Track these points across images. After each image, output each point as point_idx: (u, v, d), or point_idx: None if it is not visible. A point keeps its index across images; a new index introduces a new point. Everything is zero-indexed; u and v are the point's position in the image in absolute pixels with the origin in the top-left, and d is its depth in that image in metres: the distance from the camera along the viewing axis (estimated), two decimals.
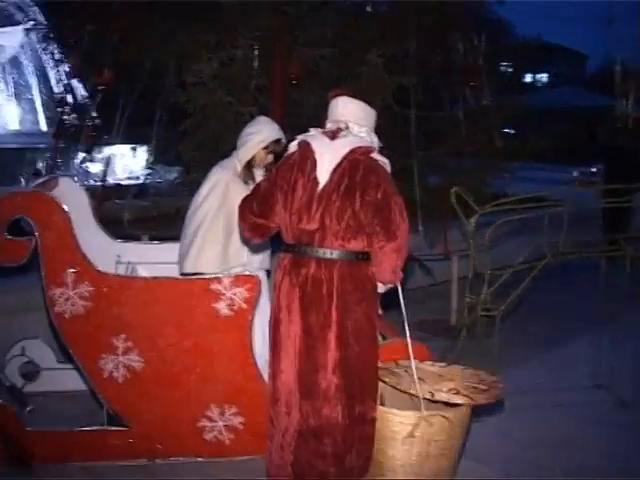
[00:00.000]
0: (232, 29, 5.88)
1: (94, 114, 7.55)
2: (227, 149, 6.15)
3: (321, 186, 3.22)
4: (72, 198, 4.43)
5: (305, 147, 3.30)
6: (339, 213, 3.17)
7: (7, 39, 9.30)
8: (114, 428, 3.81)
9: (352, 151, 3.24)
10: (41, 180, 4.48)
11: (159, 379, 3.78)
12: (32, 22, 7.62)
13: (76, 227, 4.29)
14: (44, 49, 7.90)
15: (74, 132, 7.61)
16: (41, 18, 7.73)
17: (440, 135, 6.92)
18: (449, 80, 7.15)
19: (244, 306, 3.73)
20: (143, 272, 4.50)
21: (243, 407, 3.82)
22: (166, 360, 3.76)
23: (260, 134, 4.17)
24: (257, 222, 3.32)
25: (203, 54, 5.79)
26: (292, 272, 3.24)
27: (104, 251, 4.47)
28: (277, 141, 4.20)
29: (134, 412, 3.80)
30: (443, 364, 3.79)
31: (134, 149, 8.44)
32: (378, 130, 3.38)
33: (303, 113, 6.05)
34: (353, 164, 3.21)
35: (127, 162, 8.50)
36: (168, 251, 4.52)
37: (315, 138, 3.33)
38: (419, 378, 3.47)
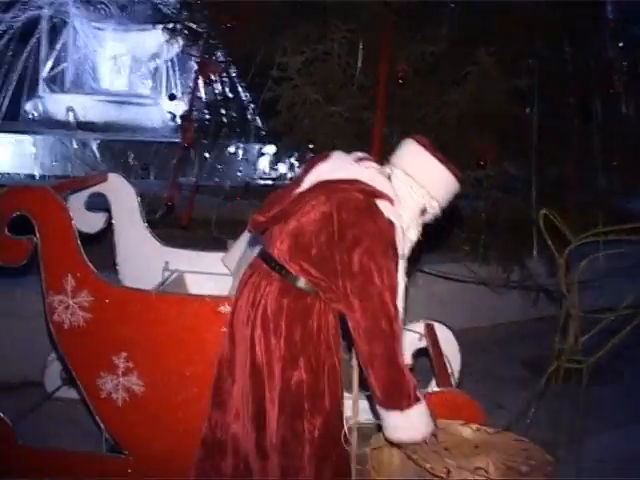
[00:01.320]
0: (333, 20, 5.33)
1: (224, 111, 7.31)
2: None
3: (297, 190, 2.70)
4: (120, 196, 4.15)
5: (322, 157, 2.79)
6: (295, 230, 2.65)
7: (147, 38, 9.39)
8: (112, 455, 3.43)
9: (353, 180, 2.62)
10: (87, 175, 4.19)
11: (160, 407, 3.34)
12: (171, 21, 7.48)
13: (121, 228, 4.02)
14: (183, 47, 7.77)
15: (205, 128, 7.38)
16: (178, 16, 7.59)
17: (569, 148, 5.95)
18: (580, 84, 6.12)
19: None
20: (190, 281, 4.12)
21: None
22: (168, 387, 3.31)
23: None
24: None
25: (292, 47, 5.31)
26: None
27: (151, 256, 4.16)
28: None
29: (133, 440, 3.39)
30: (491, 430, 3.05)
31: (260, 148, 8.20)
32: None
33: (408, 114, 5.42)
34: (346, 196, 2.60)
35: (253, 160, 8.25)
36: (219, 261, 4.11)
37: (341, 155, 2.78)
38: (446, 448, 2.81)
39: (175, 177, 6.75)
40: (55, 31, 14.52)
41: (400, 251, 2.62)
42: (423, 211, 2.74)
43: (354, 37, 5.34)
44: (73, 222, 3.29)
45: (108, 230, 4.25)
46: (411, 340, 4.10)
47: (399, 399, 2.55)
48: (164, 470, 3.36)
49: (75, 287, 3.28)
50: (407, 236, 2.71)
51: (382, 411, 2.60)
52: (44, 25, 14.49)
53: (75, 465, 3.45)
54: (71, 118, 13.25)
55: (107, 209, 4.21)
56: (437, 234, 5.75)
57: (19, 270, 3.52)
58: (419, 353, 4.23)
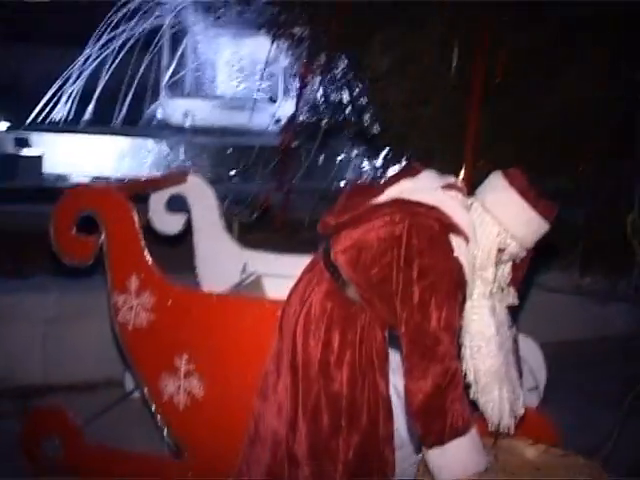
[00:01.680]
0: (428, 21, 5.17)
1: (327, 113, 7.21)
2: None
3: (374, 196, 2.57)
4: (199, 198, 4.13)
5: (415, 169, 2.65)
6: (361, 238, 2.52)
7: (261, 43, 9.37)
8: (173, 458, 3.40)
9: (433, 207, 2.43)
10: (169, 172, 4.19)
11: (220, 412, 3.27)
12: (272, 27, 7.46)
13: (200, 230, 4.00)
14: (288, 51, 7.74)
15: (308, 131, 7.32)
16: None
17: None
18: None
19: None
20: (267, 284, 4.06)
21: None
22: (228, 392, 3.24)
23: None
24: None
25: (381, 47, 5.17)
26: None
27: (229, 259, 4.11)
28: None
29: (194, 444, 3.35)
30: (560, 452, 2.82)
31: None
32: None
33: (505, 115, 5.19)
34: (420, 220, 2.42)
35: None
36: (300, 264, 4.02)
37: (433, 176, 2.62)
38: (508, 470, 2.60)
39: (279, 179, 6.75)
40: (176, 39, 14.99)
41: (466, 293, 2.45)
42: (501, 250, 2.49)
43: (447, 36, 5.16)
44: (138, 222, 3.27)
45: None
46: None
47: (435, 434, 2.34)
48: (224, 474, 3.30)
49: (139, 287, 3.28)
50: (482, 275, 2.49)
51: (424, 450, 2.40)
52: (166, 33, 14.95)
53: (137, 466, 3.44)
54: (187, 123, 13.58)
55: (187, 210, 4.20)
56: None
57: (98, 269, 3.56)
58: None
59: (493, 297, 2.54)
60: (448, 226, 2.41)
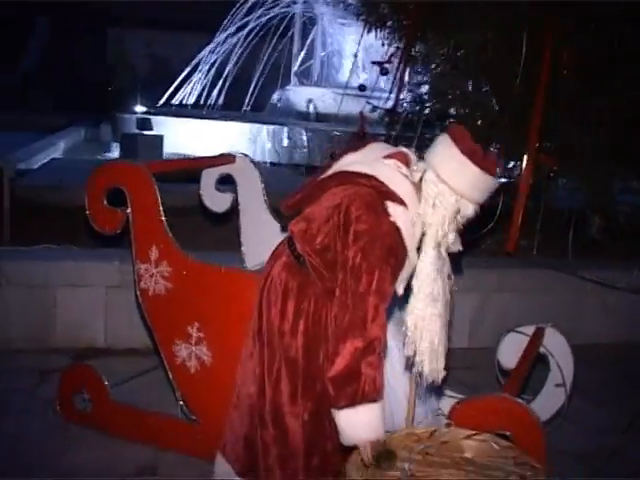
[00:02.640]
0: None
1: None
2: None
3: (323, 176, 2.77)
4: (246, 178, 4.32)
5: (356, 146, 2.85)
6: (310, 214, 2.72)
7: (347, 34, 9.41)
8: (185, 419, 3.62)
9: (371, 176, 2.59)
10: (219, 154, 4.40)
11: (226, 380, 3.42)
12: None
13: (245, 210, 4.21)
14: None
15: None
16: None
17: None
18: None
19: None
20: None
21: None
22: (233, 359, 3.39)
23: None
24: None
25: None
26: None
27: (271, 239, 4.23)
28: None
29: (203, 407, 3.56)
30: (505, 445, 2.74)
31: None
32: None
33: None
34: (357, 190, 2.59)
35: None
36: None
37: (375, 148, 2.81)
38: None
39: None
40: (306, 26, 15.30)
41: (406, 251, 2.57)
42: (457, 212, 2.61)
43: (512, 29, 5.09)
44: (159, 197, 3.48)
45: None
46: (518, 342, 3.89)
47: (349, 395, 2.45)
48: None
49: (158, 257, 3.50)
50: (445, 240, 2.62)
51: (334, 412, 2.52)
52: (297, 21, 15.28)
53: (152, 426, 3.69)
54: (311, 110, 13.84)
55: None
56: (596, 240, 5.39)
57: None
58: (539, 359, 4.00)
59: (440, 247, 2.65)
60: (384, 193, 2.54)
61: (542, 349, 3.95)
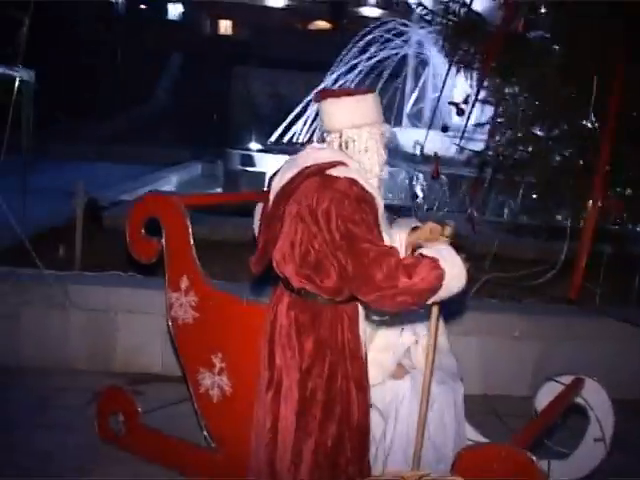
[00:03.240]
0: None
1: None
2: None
3: (266, 214, 2.89)
4: None
5: (275, 172, 2.94)
6: (281, 244, 2.82)
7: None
8: (207, 447, 3.68)
9: (301, 171, 2.74)
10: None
11: (243, 412, 3.48)
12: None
13: None
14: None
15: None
16: None
17: None
18: None
19: None
20: None
21: None
22: (251, 392, 3.46)
23: None
24: None
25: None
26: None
27: None
28: None
29: (223, 436, 3.61)
30: None
31: None
32: None
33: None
34: (301, 188, 2.73)
35: None
36: None
37: (289, 159, 2.91)
38: None
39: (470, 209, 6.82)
40: (419, 69, 15.38)
41: (374, 195, 2.73)
42: (380, 137, 2.86)
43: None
44: (189, 228, 3.59)
45: None
46: (556, 392, 3.78)
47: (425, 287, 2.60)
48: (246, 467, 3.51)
49: (187, 287, 3.61)
50: (376, 172, 2.86)
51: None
52: (410, 62, 15.39)
53: (175, 452, 3.78)
54: (417, 151, 13.87)
55: None
56: None
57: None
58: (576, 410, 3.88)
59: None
60: (320, 169, 2.71)
61: (581, 401, 3.82)
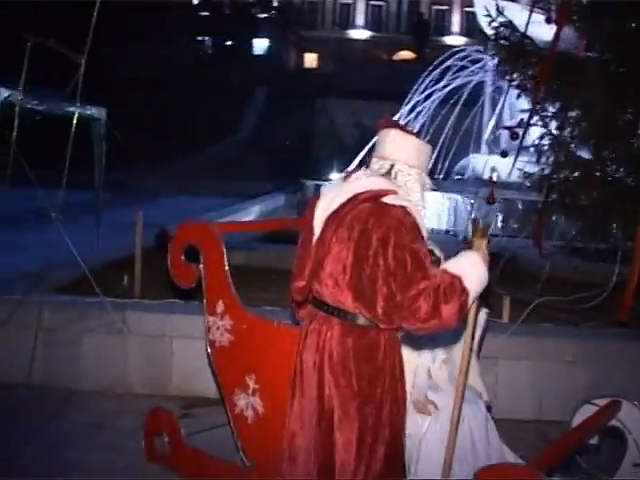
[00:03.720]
0: None
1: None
2: None
3: (314, 238, 2.88)
4: None
5: (315, 196, 2.97)
6: (331, 269, 2.82)
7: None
8: (241, 465, 3.79)
9: (354, 197, 2.78)
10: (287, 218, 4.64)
11: (275, 431, 3.58)
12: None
13: None
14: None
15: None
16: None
17: None
18: None
19: None
20: None
21: None
22: (277, 413, 3.55)
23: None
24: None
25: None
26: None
27: None
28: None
29: (255, 455, 3.71)
30: None
31: None
32: None
33: None
34: (354, 213, 2.76)
35: None
36: None
37: (331, 184, 2.95)
38: None
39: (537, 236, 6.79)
40: (496, 96, 15.31)
41: (422, 226, 2.79)
42: (424, 186, 2.95)
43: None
44: (225, 254, 3.74)
45: None
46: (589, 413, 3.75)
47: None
48: None
49: (223, 311, 3.75)
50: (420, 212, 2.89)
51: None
52: (487, 89, 15.35)
53: (215, 472, 3.90)
54: (494, 178, 13.76)
55: None
56: None
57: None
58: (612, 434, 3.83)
59: None
60: (374, 196, 2.77)
61: (619, 424, 3.76)
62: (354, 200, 2.78)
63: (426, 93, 14.39)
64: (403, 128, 2.98)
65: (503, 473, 2.88)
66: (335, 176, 15.27)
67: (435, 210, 12.02)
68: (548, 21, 6.38)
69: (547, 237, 7.74)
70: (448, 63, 14.28)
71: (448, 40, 36.15)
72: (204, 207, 12.51)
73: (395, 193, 2.79)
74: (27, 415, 4.84)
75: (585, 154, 5.58)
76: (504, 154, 8.29)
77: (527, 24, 6.95)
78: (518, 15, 7.91)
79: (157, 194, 16.53)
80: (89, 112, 7.44)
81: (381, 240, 2.68)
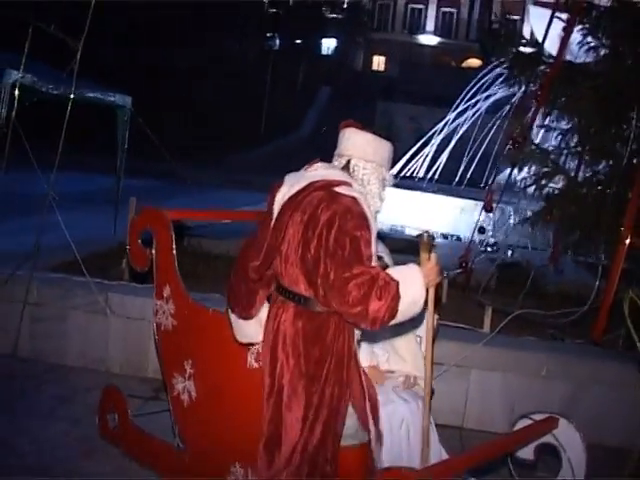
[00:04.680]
0: None
1: None
2: None
3: (271, 224, 3.04)
4: None
5: (278, 183, 3.10)
6: (285, 251, 2.98)
7: None
8: (176, 446, 3.88)
9: (310, 184, 2.94)
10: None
11: (203, 415, 3.71)
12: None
13: None
14: None
15: None
16: None
17: None
18: None
19: None
20: None
21: None
22: (209, 399, 3.68)
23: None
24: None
25: None
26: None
27: None
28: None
29: (189, 438, 3.81)
30: None
31: None
32: None
33: None
34: (308, 199, 2.93)
35: None
36: None
37: (293, 173, 3.10)
38: None
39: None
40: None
41: (371, 219, 2.90)
42: (383, 180, 3.08)
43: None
44: (173, 240, 3.84)
45: None
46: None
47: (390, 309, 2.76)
48: (211, 465, 3.67)
49: (169, 296, 3.85)
50: (374, 205, 3.04)
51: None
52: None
53: (153, 451, 4.00)
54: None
55: None
56: None
57: None
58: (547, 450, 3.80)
59: None
60: (327, 185, 2.93)
61: (554, 441, 3.73)
62: (309, 187, 2.93)
63: (469, 103, 14.27)
64: (358, 126, 3.10)
65: (393, 475, 2.91)
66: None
67: (449, 215, 11.94)
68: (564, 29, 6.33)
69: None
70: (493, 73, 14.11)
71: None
72: (244, 201, 12.65)
73: (349, 185, 2.93)
74: (5, 384, 5.03)
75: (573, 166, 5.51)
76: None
77: (546, 32, 6.90)
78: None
79: (208, 186, 16.77)
80: (112, 99, 7.60)
81: (327, 223, 2.82)
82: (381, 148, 3.08)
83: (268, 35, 33.15)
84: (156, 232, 3.92)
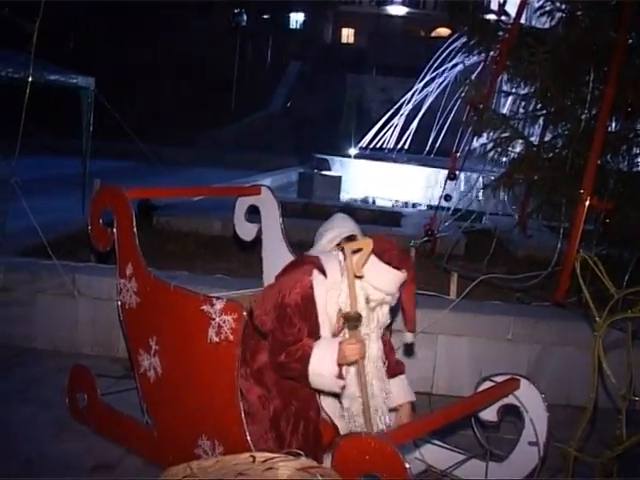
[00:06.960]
0: None
1: None
2: None
3: None
4: (267, 208, 4.61)
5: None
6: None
7: None
8: (145, 425, 3.91)
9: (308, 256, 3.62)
10: (250, 184, 4.76)
11: (169, 391, 3.74)
12: None
13: (266, 237, 4.55)
14: None
15: None
16: None
17: None
18: None
19: (230, 337, 3.40)
20: None
21: (229, 451, 3.46)
22: (173, 375, 3.71)
23: (332, 231, 3.76)
24: None
25: None
26: None
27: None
28: (350, 237, 3.66)
29: (155, 414, 3.85)
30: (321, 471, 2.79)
31: None
32: None
33: None
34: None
35: None
36: None
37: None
38: None
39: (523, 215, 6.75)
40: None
41: (320, 308, 3.33)
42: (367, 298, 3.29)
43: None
44: (134, 218, 3.85)
45: None
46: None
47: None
48: (174, 450, 3.72)
49: (131, 274, 3.87)
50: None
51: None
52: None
53: (120, 426, 4.04)
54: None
55: None
56: None
57: None
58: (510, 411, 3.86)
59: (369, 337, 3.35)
60: (313, 263, 3.46)
61: (517, 402, 3.78)
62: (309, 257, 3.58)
63: (440, 70, 14.30)
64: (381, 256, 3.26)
65: (363, 444, 2.92)
66: (353, 151, 15.26)
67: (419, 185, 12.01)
68: None
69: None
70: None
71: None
72: (215, 179, 12.64)
73: (326, 276, 3.37)
74: None
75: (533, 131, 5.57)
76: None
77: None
78: None
79: (179, 166, 16.74)
80: (74, 81, 7.54)
81: (276, 280, 3.59)
82: (388, 276, 3.26)
83: (235, 11, 32.97)
84: (116, 210, 3.93)
